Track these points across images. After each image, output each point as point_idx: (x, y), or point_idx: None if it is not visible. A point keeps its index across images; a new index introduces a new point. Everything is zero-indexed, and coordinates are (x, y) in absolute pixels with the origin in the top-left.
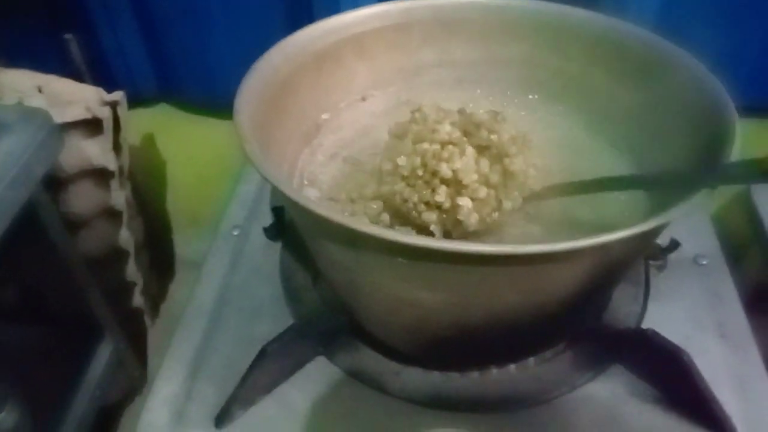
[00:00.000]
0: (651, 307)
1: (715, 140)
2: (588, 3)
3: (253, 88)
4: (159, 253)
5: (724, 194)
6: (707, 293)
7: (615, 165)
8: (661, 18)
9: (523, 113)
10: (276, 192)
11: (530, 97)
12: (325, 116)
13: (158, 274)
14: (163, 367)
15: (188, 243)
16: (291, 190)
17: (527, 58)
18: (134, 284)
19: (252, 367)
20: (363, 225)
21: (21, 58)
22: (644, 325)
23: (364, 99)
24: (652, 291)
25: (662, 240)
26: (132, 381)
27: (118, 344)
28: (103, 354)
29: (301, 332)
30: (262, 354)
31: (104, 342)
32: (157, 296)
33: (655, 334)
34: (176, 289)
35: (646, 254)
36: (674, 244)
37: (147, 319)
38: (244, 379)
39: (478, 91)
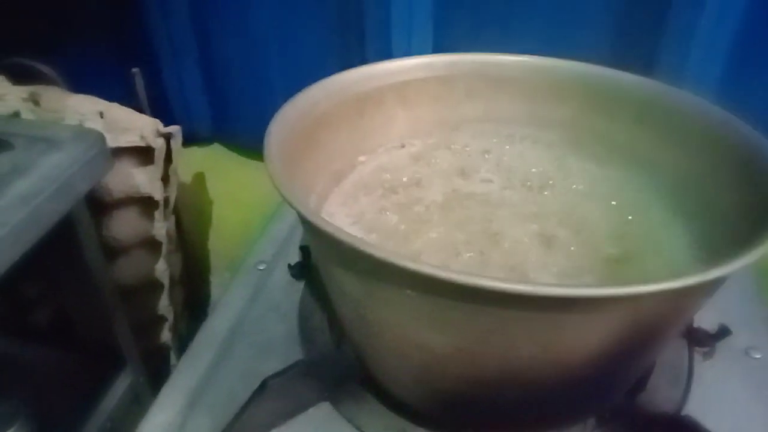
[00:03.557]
0: (693, 395)
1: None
2: (644, 67)
3: (289, 117)
4: (193, 291)
5: None
6: (758, 389)
7: (663, 227)
8: (723, 84)
9: (567, 172)
10: (301, 222)
11: (573, 157)
12: (362, 158)
13: (190, 313)
14: (162, 393)
15: (224, 285)
16: (304, 207)
17: (573, 119)
18: (165, 319)
19: (250, 400)
20: (368, 245)
21: (89, 85)
22: (684, 413)
23: (402, 146)
24: (695, 379)
25: (711, 325)
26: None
27: (137, 378)
28: (121, 386)
29: (308, 371)
30: (263, 387)
31: (124, 374)
32: (185, 335)
33: (693, 422)
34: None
35: (691, 339)
36: (724, 331)
37: (173, 357)
38: (241, 412)
39: (518, 147)
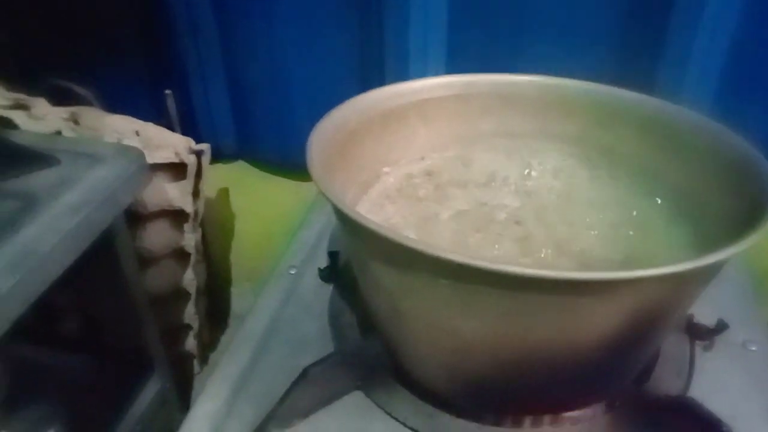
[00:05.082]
0: (694, 384)
1: (757, 215)
2: (645, 86)
3: (325, 131)
4: (216, 302)
5: None
6: (756, 379)
7: (666, 230)
8: (718, 99)
9: (575, 183)
10: (341, 222)
11: (581, 168)
12: (386, 170)
13: (212, 322)
14: (208, 384)
15: (244, 297)
16: (343, 204)
17: (580, 134)
18: (190, 327)
19: (292, 387)
20: (406, 239)
21: (123, 106)
22: None
23: (423, 158)
24: (696, 369)
25: (710, 321)
26: (172, 424)
27: (165, 384)
28: (150, 391)
29: (343, 361)
30: (304, 375)
31: (153, 379)
32: (208, 344)
33: (695, 403)
34: (227, 340)
35: (692, 333)
36: (722, 326)
37: (196, 365)
38: (284, 398)
39: (531, 160)
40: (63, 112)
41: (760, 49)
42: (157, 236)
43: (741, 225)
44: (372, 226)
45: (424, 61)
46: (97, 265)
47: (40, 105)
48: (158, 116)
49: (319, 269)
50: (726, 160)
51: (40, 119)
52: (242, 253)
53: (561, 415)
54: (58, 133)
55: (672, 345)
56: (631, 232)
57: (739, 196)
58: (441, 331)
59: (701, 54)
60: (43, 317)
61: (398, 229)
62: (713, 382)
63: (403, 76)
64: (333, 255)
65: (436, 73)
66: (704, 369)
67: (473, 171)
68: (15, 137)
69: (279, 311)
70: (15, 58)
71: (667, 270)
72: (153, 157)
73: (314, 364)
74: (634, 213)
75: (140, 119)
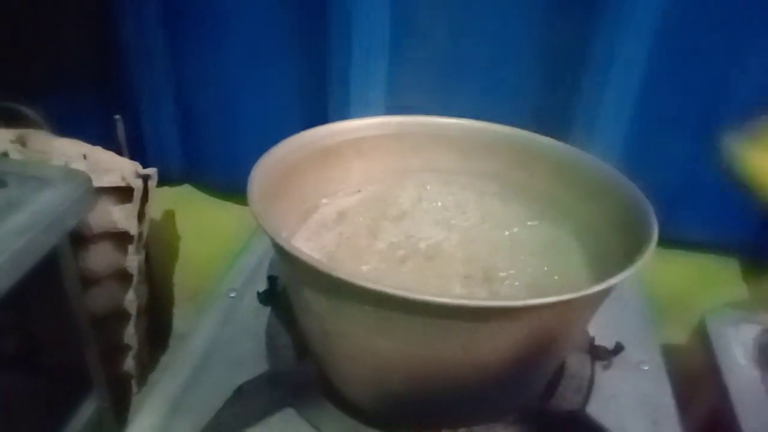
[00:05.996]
0: (593, 400)
1: (639, 246)
2: (561, 132)
3: (267, 165)
4: (157, 322)
5: (680, 322)
6: (645, 395)
7: (570, 259)
8: (626, 144)
9: (493, 216)
10: (278, 253)
11: (499, 203)
12: (324, 201)
13: (152, 343)
14: (146, 402)
15: (186, 318)
16: (278, 236)
17: (500, 172)
18: (129, 348)
19: (226, 403)
20: (332, 269)
21: (75, 129)
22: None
23: (359, 191)
24: (595, 387)
25: (609, 343)
26: None
27: (102, 403)
28: (87, 411)
29: (276, 379)
30: (238, 391)
31: (90, 399)
32: (147, 365)
33: (590, 418)
34: (167, 361)
35: (593, 354)
36: (619, 348)
37: (134, 385)
38: (218, 414)
39: (456, 194)
40: (10, 134)
41: (662, 104)
42: (100, 257)
43: (628, 257)
44: (303, 257)
45: (364, 98)
46: (39, 285)
47: None
48: (107, 140)
49: (258, 293)
50: (618, 200)
51: None
52: (186, 275)
53: (473, 428)
54: (5, 154)
55: (575, 365)
56: (539, 261)
57: (627, 232)
58: (364, 351)
59: (610, 105)
60: None
61: (332, 257)
62: (609, 399)
63: (345, 108)
64: (272, 279)
65: (376, 110)
66: (602, 386)
67: (403, 203)
68: None
69: (218, 333)
70: None
71: (555, 299)
72: (100, 181)
73: (249, 382)
74: (544, 244)
75: (89, 143)
